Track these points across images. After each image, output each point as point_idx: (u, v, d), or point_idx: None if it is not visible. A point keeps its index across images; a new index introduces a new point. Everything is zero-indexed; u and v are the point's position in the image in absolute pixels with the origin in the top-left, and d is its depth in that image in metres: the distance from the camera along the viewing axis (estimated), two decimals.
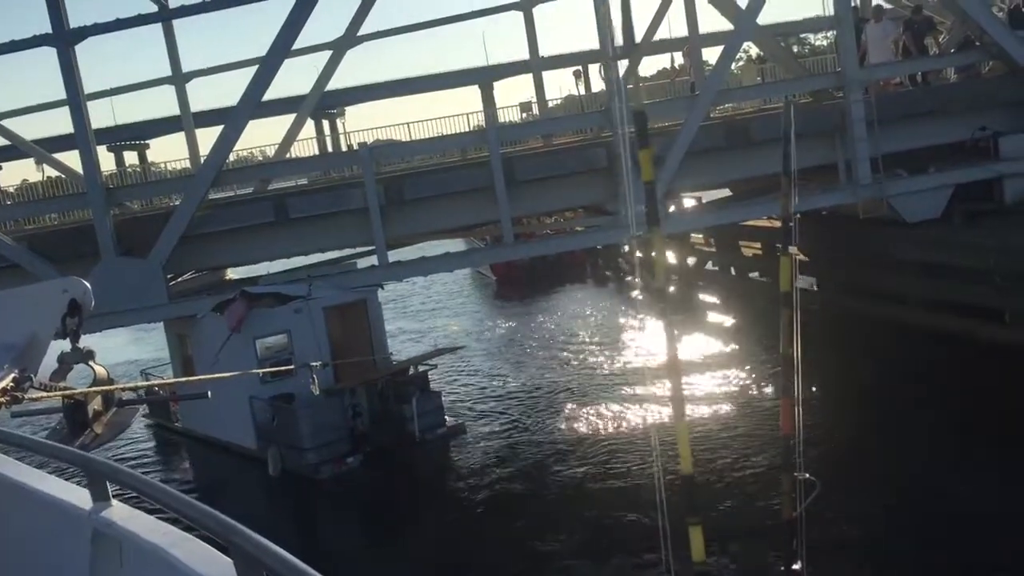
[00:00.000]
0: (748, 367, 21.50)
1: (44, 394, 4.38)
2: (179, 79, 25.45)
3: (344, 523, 17.19)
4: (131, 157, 30.37)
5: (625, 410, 19.92)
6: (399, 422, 18.95)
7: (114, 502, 2.98)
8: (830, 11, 21.42)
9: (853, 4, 21.59)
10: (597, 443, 18.34)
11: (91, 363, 4.83)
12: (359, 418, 18.69)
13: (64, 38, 17.91)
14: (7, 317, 4.74)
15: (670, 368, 8.52)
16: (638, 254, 23.66)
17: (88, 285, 4.70)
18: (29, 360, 4.55)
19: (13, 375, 4.31)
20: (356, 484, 17.61)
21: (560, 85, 73.61)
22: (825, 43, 45.25)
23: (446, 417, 19.95)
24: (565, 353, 26.27)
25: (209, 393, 5.96)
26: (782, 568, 8.07)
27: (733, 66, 20.33)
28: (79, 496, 3.12)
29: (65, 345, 4.70)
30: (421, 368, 20.29)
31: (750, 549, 12.35)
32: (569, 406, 20.87)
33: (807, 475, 7.88)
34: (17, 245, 18.24)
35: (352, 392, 18.81)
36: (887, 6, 24.94)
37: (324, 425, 18.20)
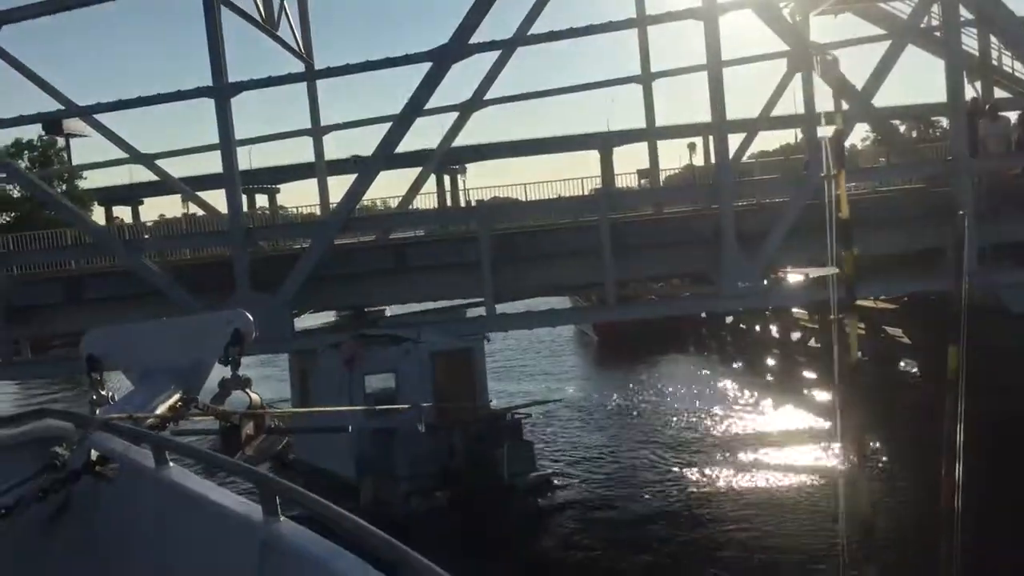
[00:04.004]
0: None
1: (204, 415, 4.77)
2: (318, 131, 27.40)
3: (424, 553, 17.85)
4: (261, 200, 32.69)
5: (718, 484, 20.12)
6: (491, 466, 19.79)
7: (283, 518, 3.00)
8: None
9: (973, 95, 21.74)
10: (683, 515, 18.60)
11: (247, 390, 5.19)
12: (453, 458, 19.66)
13: (223, 92, 19.82)
14: (178, 343, 5.32)
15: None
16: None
17: (251, 318, 5.15)
18: (194, 383, 5.10)
19: (180, 395, 4.89)
20: (442, 519, 18.34)
21: (680, 155, 74.01)
22: None
23: (537, 466, 20.72)
24: (661, 419, 26.61)
25: (350, 427, 6.28)
26: None
27: (859, 145, 20.86)
28: (250, 509, 3.17)
29: (225, 372, 5.16)
30: (516, 415, 21.14)
31: None
32: (660, 473, 21.20)
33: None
34: (163, 273, 20.10)
35: (449, 432, 19.83)
36: (1006, 95, 24.88)
37: (420, 458, 19.15)
